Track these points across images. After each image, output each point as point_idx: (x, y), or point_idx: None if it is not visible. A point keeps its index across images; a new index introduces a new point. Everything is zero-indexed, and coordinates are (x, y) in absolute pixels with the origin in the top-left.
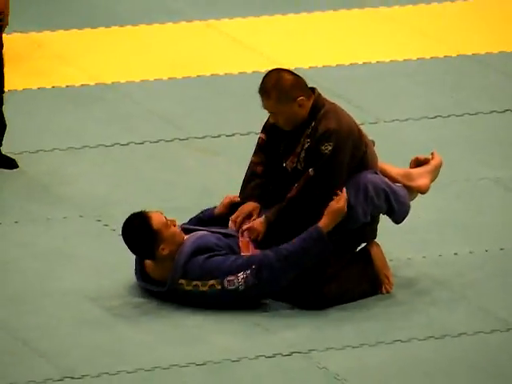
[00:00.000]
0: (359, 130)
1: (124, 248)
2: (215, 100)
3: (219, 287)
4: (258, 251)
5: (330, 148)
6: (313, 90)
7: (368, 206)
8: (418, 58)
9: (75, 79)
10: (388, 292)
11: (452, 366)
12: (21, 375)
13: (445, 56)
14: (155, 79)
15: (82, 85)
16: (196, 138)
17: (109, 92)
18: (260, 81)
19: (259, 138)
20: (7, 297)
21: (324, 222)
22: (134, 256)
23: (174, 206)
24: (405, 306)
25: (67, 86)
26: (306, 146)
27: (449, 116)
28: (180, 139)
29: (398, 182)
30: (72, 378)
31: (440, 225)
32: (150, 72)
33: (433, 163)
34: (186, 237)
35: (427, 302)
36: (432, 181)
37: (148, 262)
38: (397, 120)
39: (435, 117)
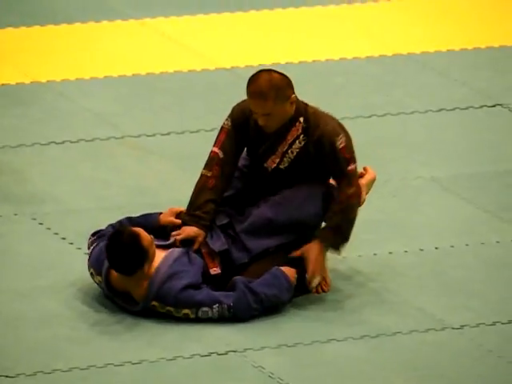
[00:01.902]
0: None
1: (59, 246)
2: (151, 99)
3: (193, 316)
4: (219, 266)
5: (343, 139)
6: None
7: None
8: (353, 58)
9: (10, 78)
10: (324, 292)
11: (387, 364)
12: None
13: (380, 55)
14: (91, 78)
15: (18, 83)
16: (131, 136)
17: (44, 90)
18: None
19: (212, 151)
20: None
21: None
22: (92, 255)
23: (109, 205)
24: (340, 305)
25: (2, 85)
26: (302, 144)
27: (384, 115)
28: (115, 138)
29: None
30: (7, 376)
31: (375, 224)
32: (85, 70)
33: (367, 177)
34: (162, 255)
35: (362, 301)
36: (365, 194)
37: (116, 277)
38: None
39: (370, 116)
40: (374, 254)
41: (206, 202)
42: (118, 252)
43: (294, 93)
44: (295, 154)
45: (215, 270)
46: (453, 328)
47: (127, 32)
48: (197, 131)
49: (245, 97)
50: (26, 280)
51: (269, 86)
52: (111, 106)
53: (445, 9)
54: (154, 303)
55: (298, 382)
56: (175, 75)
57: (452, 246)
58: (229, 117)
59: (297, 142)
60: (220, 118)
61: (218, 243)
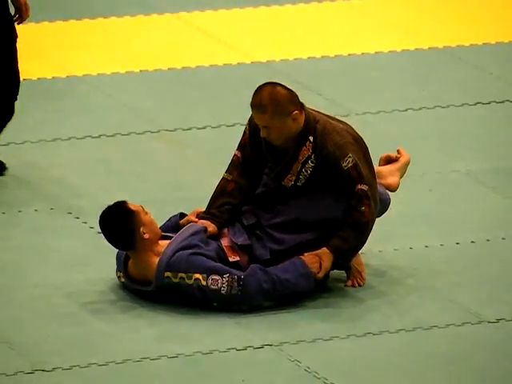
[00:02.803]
0: (354, 131)
1: (95, 240)
2: (186, 93)
3: (204, 283)
4: (244, 255)
5: (350, 159)
6: (301, 104)
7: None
8: (389, 51)
9: (46, 71)
10: (360, 285)
11: (423, 358)
12: None
13: (416, 49)
14: (126, 72)
15: (53, 77)
16: (167, 130)
17: (80, 85)
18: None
19: (234, 155)
20: None
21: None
22: (116, 254)
23: (145, 199)
24: (376, 298)
25: (38, 79)
26: (314, 163)
27: (420, 109)
28: (151, 132)
29: None
30: (43, 370)
31: (411, 217)
32: (121, 65)
33: (402, 160)
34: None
35: (398, 295)
36: (400, 178)
37: (130, 264)
38: (368, 113)
39: (406, 110)
40: (410, 248)
41: (222, 204)
42: (108, 222)
43: (299, 109)
44: (309, 172)
45: (234, 258)
46: (489, 322)
47: (163, 26)
48: (232, 125)
49: None
50: (61, 274)
51: (268, 99)
52: (147, 100)
53: (480, 2)
54: (167, 274)
55: (335, 376)
56: (211, 69)
57: (488, 240)
58: (248, 120)
59: (309, 161)
60: None
61: (241, 238)
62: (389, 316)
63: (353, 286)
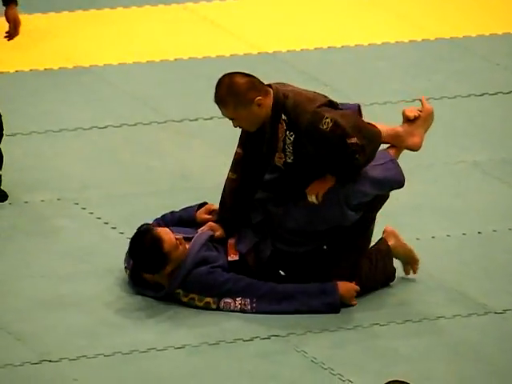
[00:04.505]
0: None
1: (101, 231)
2: (193, 83)
3: (214, 306)
4: (250, 254)
5: (328, 120)
6: (269, 85)
7: (343, 207)
8: (396, 42)
9: (53, 62)
10: (414, 273)
11: (430, 349)
12: None
13: (423, 39)
14: (133, 62)
15: (60, 68)
16: (174, 121)
17: (87, 75)
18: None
19: (236, 152)
20: None
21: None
22: (125, 253)
23: (152, 190)
24: (382, 290)
25: (45, 69)
26: (291, 139)
27: (427, 99)
28: (158, 122)
29: (388, 143)
30: (50, 361)
31: (418, 208)
32: (128, 55)
33: (422, 116)
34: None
35: (405, 286)
36: (425, 131)
37: None
38: (375, 103)
39: (413, 100)
40: (417, 239)
41: (232, 205)
42: (139, 254)
43: (261, 94)
44: (292, 148)
45: (233, 257)
46: (495, 312)
47: (170, 17)
48: None
49: (287, 81)
50: (68, 265)
51: (226, 92)
52: (154, 90)
53: None
54: (178, 291)
55: (341, 367)
56: (218, 60)
57: (494, 231)
58: None
59: (286, 138)
60: None
61: (242, 245)
62: (395, 307)
63: (406, 274)
